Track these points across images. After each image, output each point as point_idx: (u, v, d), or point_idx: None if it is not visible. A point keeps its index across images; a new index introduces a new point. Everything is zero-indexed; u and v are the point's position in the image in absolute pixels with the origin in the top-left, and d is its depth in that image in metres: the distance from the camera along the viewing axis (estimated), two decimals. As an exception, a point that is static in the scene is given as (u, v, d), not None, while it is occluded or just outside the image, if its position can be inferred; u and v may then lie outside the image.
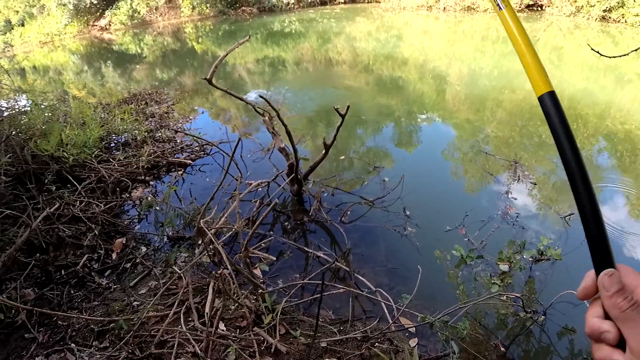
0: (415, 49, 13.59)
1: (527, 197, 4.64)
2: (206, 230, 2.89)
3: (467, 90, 8.92)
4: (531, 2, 17.06)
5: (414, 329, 2.98)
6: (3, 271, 3.46)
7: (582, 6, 14.81)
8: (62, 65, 14.28)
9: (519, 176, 5.00)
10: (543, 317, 3.10)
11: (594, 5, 14.32)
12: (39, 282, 3.57)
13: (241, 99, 4.25)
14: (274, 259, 3.31)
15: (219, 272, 2.40)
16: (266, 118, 4.45)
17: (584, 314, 1.66)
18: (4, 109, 6.03)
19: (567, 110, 7.17)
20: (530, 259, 3.63)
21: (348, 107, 3.95)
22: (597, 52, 2.70)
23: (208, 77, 3.95)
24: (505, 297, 3.26)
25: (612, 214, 4.28)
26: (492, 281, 3.35)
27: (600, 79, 9.17)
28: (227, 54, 4.19)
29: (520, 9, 16.96)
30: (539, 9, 17.07)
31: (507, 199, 4.58)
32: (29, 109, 6.12)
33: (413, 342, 2.64)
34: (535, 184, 4.82)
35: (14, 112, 6.12)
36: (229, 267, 2.71)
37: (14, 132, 5.03)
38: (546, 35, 13.00)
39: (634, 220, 4.20)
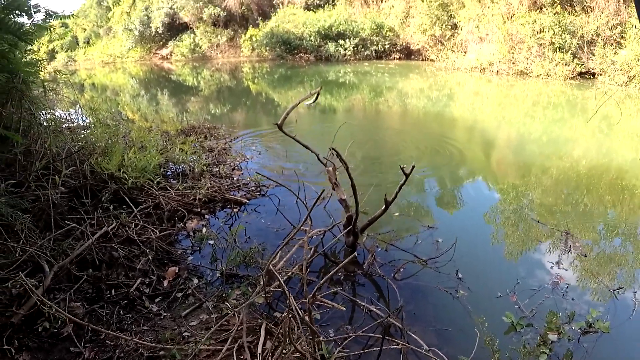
0: (466, 109, 13.65)
1: (577, 269, 4.58)
2: (276, 274, 2.90)
3: (514, 154, 8.92)
4: (583, 70, 16.97)
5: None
6: (54, 282, 3.49)
7: (635, 75, 14.72)
8: (119, 87, 14.89)
9: (569, 247, 4.93)
10: None
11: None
12: (88, 298, 3.62)
13: (307, 147, 4.34)
14: (344, 309, 3.29)
15: (283, 314, 2.39)
16: (330, 168, 4.51)
17: None
18: (63, 120, 6.22)
19: (614, 181, 7.13)
20: (579, 331, 3.55)
21: (413, 166, 4.01)
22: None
23: (279, 123, 4.05)
24: None
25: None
26: (541, 350, 3.29)
27: None
28: (298, 103, 4.31)
29: (572, 76, 16.90)
30: (591, 77, 16.94)
31: (558, 269, 4.53)
32: (87, 123, 6.33)
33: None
34: (586, 256, 4.73)
35: (73, 125, 6.36)
36: (294, 309, 2.70)
37: (76, 147, 5.20)
38: (596, 104, 12.86)
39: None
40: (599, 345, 3.44)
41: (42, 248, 3.80)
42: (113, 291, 3.72)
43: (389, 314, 3.61)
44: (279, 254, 3.59)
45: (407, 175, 4.04)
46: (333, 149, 4.24)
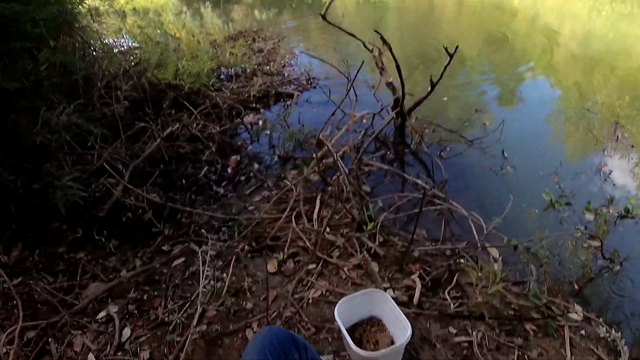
0: (527, 1, 12.94)
1: (623, 158, 4.59)
2: (325, 141, 3.17)
3: (579, 50, 8.57)
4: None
5: (497, 255, 3.14)
6: (130, 179, 3.85)
7: None
8: (161, 7, 14.84)
9: (617, 136, 4.92)
10: (619, 267, 3.17)
11: None
12: (163, 188, 3.99)
13: (352, 35, 4.43)
14: (385, 167, 3.54)
15: (334, 178, 2.66)
16: (375, 54, 4.61)
17: None
18: (113, 46, 6.42)
19: None
20: (616, 214, 3.64)
21: (457, 47, 4.05)
22: None
23: (322, 12, 4.16)
24: (586, 243, 3.36)
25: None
26: (577, 227, 3.44)
27: None
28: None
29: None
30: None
31: (603, 156, 4.58)
32: (138, 45, 6.54)
33: (497, 264, 2.81)
34: (633, 146, 4.74)
35: (124, 48, 6.61)
36: (343, 172, 2.99)
37: (131, 64, 5.46)
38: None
39: None
40: (633, 231, 3.58)
41: (116, 153, 4.15)
42: (184, 181, 4.10)
43: (433, 185, 3.85)
44: (329, 129, 3.81)
45: (451, 56, 4.09)
46: (376, 31, 4.32)
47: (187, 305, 2.60)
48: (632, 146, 4.74)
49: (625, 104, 5.90)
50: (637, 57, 8.04)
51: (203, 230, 3.25)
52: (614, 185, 4.14)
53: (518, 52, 8.32)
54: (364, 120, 4.97)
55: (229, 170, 4.29)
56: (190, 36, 7.79)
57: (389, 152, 4.59)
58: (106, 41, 6.20)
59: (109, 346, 2.37)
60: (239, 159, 4.44)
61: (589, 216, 3.60)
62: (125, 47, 6.75)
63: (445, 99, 5.80)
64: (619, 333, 2.49)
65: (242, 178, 4.14)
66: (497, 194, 3.89)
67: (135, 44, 6.70)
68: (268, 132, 4.94)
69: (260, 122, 5.11)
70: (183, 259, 3.05)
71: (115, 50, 6.14)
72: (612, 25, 10.62)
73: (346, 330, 2.16)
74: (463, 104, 5.69)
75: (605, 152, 4.64)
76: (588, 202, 3.68)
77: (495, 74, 7.09)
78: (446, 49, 4.05)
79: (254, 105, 5.66)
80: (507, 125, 4.86)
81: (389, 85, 4.57)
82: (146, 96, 5.17)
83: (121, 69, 5.10)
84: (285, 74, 6.75)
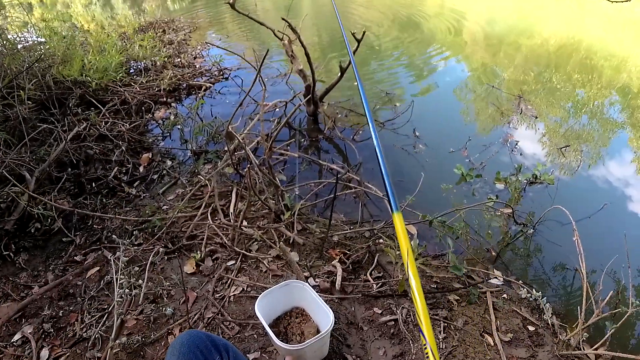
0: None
1: (528, 128, 4.93)
2: (234, 133, 3.12)
3: (484, 32, 8.92)
4: None
5: (415, 232, 3.24)
6: (37, 186, 3.64)
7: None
8: (70, -2, 14.15)
9: (522, 109, 5.21)
10: (532, 230, 3.38)
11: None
12: (72, 194, 3.81)
13: (261, 24, 4.38)
14: (296, 155, 3.54)
15: (246, 169, 2.63)
16: (285, 42, 4.58)
17: (569, 232, 1.92)
18: (17, 42, 6.07)
19: (584, 61, 7.25)
20: (525, 181, 3.90)
21: (364, 32, 4.10)
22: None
23: (231, 1, 4.08)
24: (499, 212, 3.56)
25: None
26: (489, 197, 3.63)
27: (619, 31, 9.07)
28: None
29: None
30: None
31: (509, 129, 4.87)
32: (44, 40, 6.20)
33: (413, 241, 2.89)
34: (537, 117, 5.00)
35: (28, 43, 6.23)
36: (255, 163, 2.96)
37: (35, 61, 5.16)
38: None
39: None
40: (543, 195, 3.82)
41: (20, 159, 3.90)
42: (94, 184, 3.89)
43: (348, 169, 3.90)
44: (239, 120, 3.76)
45: (358, 41, 4.14)
46: (284, 19, 4.29)
47: (105, 318, 2.51)
48: (536, 117, 5.02)
49: (530, 80, 6.21)
50: (539, 35, 8.54)
51: (114, 236, 3.12)
52: (521, 154, 4.43)
53: (428, 35, 8.53)
54: (277, 109, 4.96)
55: (141, 169, 4.14)
56: (99, 28, 7.44)
57: (303, 140, 4.60)
58: (10, 36, 5.84)
59: (28, 370, 2.24)
60: (150, 156, 4.29)
61: (500, 185, 3.86)
62: (30, 42, 6.38)
63: (356, 83, 5.85)
64: (539, 292, 2.64)
65: (155, 176, 4.00)
66: (411, 173, 4.03)
67: (41, 39, 6.33)
68: (180, 126, 4.81)
69: (172, 117, 4.95)
70: (97, 268, 2.92)
71: (20, 46, 5.78)
72: (515, 6, 11.15)
73: (270, 323, 2.16)
74: (374, 88, 5.78)
75: (511, 125, 4.91)
76: (497, 172, 3.91)
77: (406, 57, 7.24)
78: (353, 35, 4.08)
79: (165, 99, 5.47)
80: (417, 105, 5.02)
81: (300, 72, 4.56)
82: (52, 95, 4.90)
83: (24, 66, 4.82)
84: (197, 66, 6.58)
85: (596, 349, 2.31)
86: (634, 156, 4.60)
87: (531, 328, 2.51)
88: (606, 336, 2.32)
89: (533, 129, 4.89)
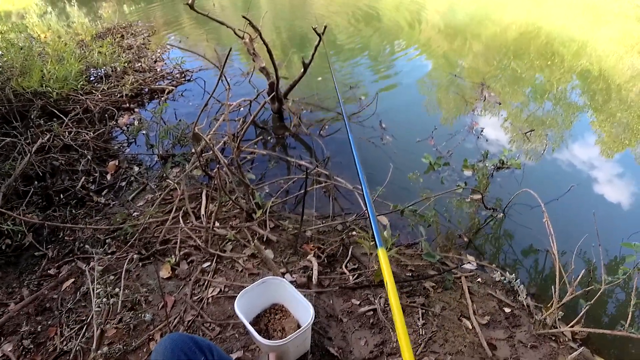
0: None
1: (492, 115, 5.08)
2: (201, 135, 3.13)
3: (444, 22, 9.04)
4: None
5: (387, 222, 3.31)
6: (4, 202, 3.57)
7: None
8: (24, 9, 13.81)
9: (485, 96, 5.34)
10: (502, 215, 3.48)
11: None
12: (40, 207, 3.76)
13: (222, 23, 4.38)
14: (264, 152, 3.57)
15: (215, 170, 2.65)
16: (246, 40, 4.59)
17: (539, 215, 2.01)
18: None
19: (544, 47, 7.44)
20: (492, 167, 4.01)
21: (325, 27, 4.17)
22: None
23: (189, 2, 4.07)
24: (468, 199, 3.67)
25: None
26: (458, 184, 3.74)
27: (578, 17, 9.31)
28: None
29: None
30: None
31: (473, 116, 5.00)
32: (0, 53, 6.06)
33: (386, 231, 2.95)
34: (500, 104, 5.14)
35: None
36: (223, 163, 2.98)
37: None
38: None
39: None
40: (511, 179, 3.94)
41: None
42: (62, 195, 3.85)
43: (316, 165, 3.96)
44: (204, 121, 3.77)
45: (320, 35, 4.19)
46: (244, 17, 4.30)
47: (84, 329, 2.51)
48: (499, 103, 5.16)
49: (492, 68, 6.35)
50: (498, 23, 8.71)
51: (87, 246, 3.11)
52: (487, 141, 4.54)
53: (388, 27, 8.64)
54: (242, 109, 4.98)
55: (109, 177, 4.12)
56: (56, 37, 7.31)
57: (270, 138, 4.64)
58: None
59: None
60: (117, 163, 4.27)
61: (467, 172, 3.96)
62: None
63: (320, 78, 5.93)
64: (513, 275, 2.73)
65: (123, 184, 3.98)
66: (379, 164, 4.09)
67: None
68: (145, 131, 4.78)
69: (136, 122, 4.93)
70: (72, 279, 2.91)
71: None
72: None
73: (251, 321, 2.19)
74: (338, 82, 5.83)
75: (475, 112, 5.04)
76: (465, 160, 4.01)
77: (368, 50, 7.32)
78: (315, 30, 4.12)
79: (127, 105, 5.43)
80: (382, 98, 5.10)
81: (263, 70, 4.59)
82: (12, 108, 4.81)
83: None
84: (158, 69, 6.54)
85: (572, 327, 2.41)
86: (597, 138, 4.77)
87: (507, 310, 2.60)
88: (581, 314, 2.42)
89: (497, 115, 5.03)
